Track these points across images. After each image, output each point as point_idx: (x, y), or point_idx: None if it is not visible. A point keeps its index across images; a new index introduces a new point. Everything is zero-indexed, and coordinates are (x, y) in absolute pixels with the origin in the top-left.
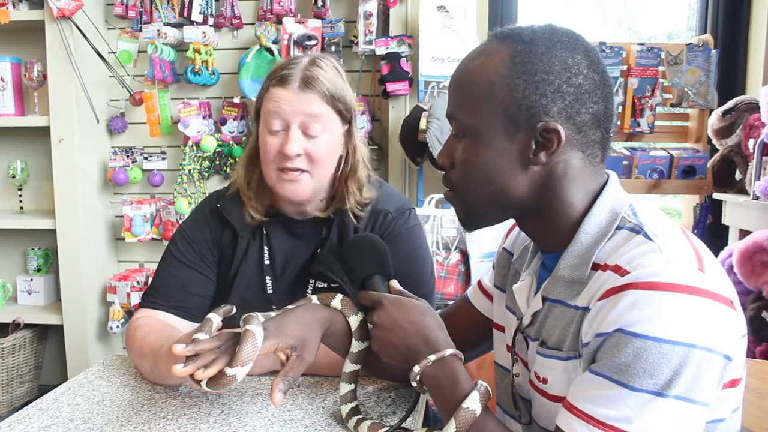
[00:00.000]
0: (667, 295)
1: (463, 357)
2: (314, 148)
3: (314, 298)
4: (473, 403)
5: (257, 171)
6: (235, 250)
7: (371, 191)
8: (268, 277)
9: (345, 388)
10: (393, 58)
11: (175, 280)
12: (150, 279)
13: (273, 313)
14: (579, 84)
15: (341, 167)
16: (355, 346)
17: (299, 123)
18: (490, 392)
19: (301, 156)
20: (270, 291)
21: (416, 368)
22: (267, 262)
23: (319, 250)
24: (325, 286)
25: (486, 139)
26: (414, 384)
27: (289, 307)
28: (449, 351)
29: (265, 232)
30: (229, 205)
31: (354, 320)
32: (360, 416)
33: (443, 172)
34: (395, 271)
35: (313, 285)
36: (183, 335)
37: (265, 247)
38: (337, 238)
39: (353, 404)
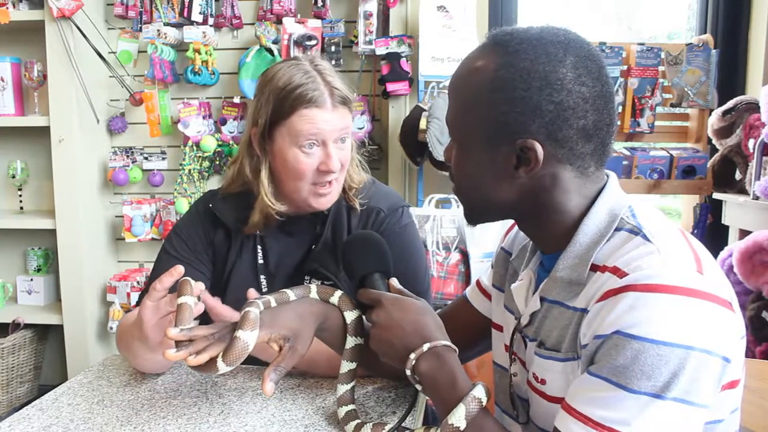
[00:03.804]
0: (666, 297)
1: (457, 350)
2: (344, 154)
3: (314, 288)
4: (458, 420)
5: (274, 181)
6: (229, 250)
7: (363, 175)
8: (262, 276)
9: (342, 388)
10: (393, 58)
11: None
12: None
13: (273, 297)
14: (561, 100)
15: None
16: (350, 342)
17: (334, 138)
18: (483, 400)
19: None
20: (265, 290)
21: (408, 372)
22: (261, 261)
23: (313, 246)
24: (320, 283)
25: (471, 149)
26: (417, 387)
27: (288, 291)
28: (427, 346)
29: (258, 232)
30: (222, 205)
31: (349, 316)
32: (359, 420)
33: (447, 172)
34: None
35: (307, 282)
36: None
37: (259, 247)
38: (330, 234)
39: (351, 407)
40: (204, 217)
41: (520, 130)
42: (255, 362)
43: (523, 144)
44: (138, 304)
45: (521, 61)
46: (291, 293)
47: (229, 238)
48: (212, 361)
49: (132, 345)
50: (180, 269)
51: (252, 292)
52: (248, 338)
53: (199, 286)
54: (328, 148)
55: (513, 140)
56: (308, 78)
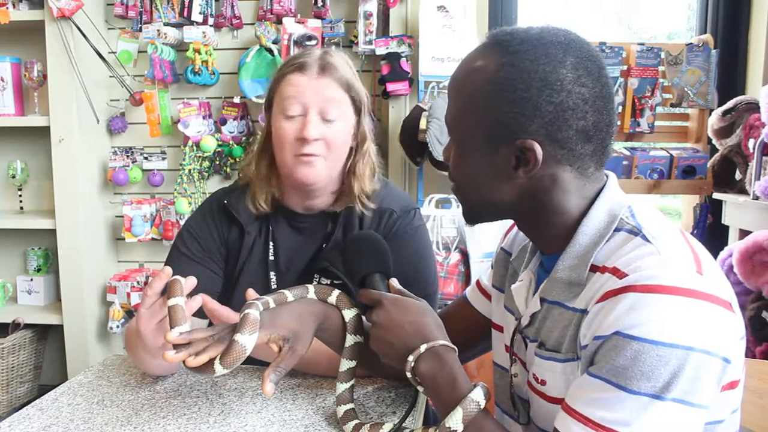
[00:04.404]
0: (665, 297)
1: (456, 350)
2: (331, 133)
3: (311, 288)
4: (455, 423)
5: (268, 159)
6: (242, 247)
7: (376, 184)
8: (272, 273)
9: (341, 387)
10: (393, 58)
11: (183, 276)
12: (149, 279)
13: (272, 298)
14: (561, 101)
15: (351, 159)
16: (349, 340)
17: (317, 108)
18: (481, 403)
19: (319, 141)
20: (274, 286)
21: (408, 375)
22: (271, 257)
23: (324, 245)
24: (329, 282)
25: (470, 150)
26: (419, 388)
27: (286, 292)
28: (424, 346)
29: (270, 228)
30: (236, 201)
31: (348, 314)
32: (357, 421)
33: (446, 172)
34: (399, 271)
35: (317, 281)
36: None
37: (270, 243)
38: (342, 234)
39: (349, 406)
40: (218, 214)
41: (520, 130)
42: (255, 362)
43: (522, 144)
44: None
45: (521, 61)
46: (289, 294)
47: (242, 236)
48: (210, 362)
49: (137, 352)
50: (168, 271)
51: (251, 293)
52: (246, 342)
53: (190, 283)
54: (308, 116)
55: (512, 140)
56: (307, 52)
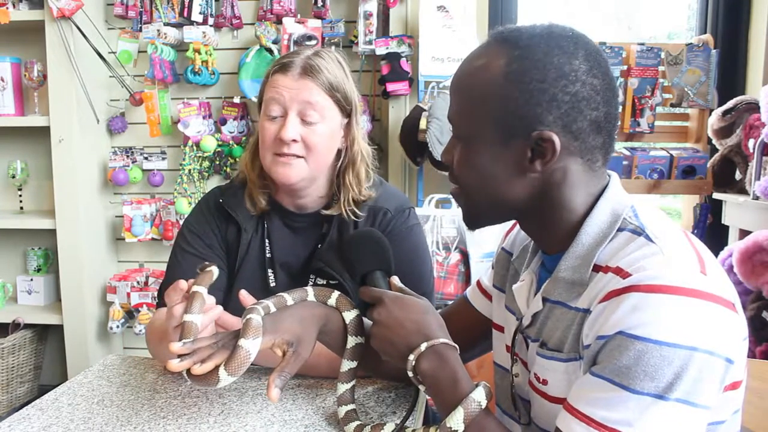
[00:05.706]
0: (669, 297)
1: (458, 348)
2: (311, 135)
3: (310, 291)
4: (456, 423)
5: (259, 158)
6: (240, 244)
7: (371, 190)
8: (269, 270)
9: (342, 387)
10: (393, 58)
11: (189, 274)
12: (149, 279)
13: (272, 302)
14: (576, 92)
15: (340, 161)
16: (351, 342)
17: (297, 110)
18: (483, 403)
19: (298, 142)
20: (273, 284)
21: (409, 374)
22: (268, 255)
23: (319, 246)
24: (325, 283)
25: (481, 145)
26: (420, 387)
27: (285, 295)
28: (425, 345)
29: (266, 226)
30: (232, 200)
31: (348, 316)
32: (359, 422)
33: (447, 172)
34: (395, 270)
35: (313, 281)
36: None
37: (266, 241)
38: (336, 234)
39: (350, 407)
40: (215, 212)
41: (536, 121)
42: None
43: (539, 136)
44: (157, 305)
45: (534, 53)
46: (288, 297)
47: (239, 234)
48: (214, 372)
49: (159, 347)
50: (183, 284)
51: (244, 295)
52: (250, 346)
53: (210, 300)
54: (287, 118)
55: (528, 133)
56: (296, 52)
